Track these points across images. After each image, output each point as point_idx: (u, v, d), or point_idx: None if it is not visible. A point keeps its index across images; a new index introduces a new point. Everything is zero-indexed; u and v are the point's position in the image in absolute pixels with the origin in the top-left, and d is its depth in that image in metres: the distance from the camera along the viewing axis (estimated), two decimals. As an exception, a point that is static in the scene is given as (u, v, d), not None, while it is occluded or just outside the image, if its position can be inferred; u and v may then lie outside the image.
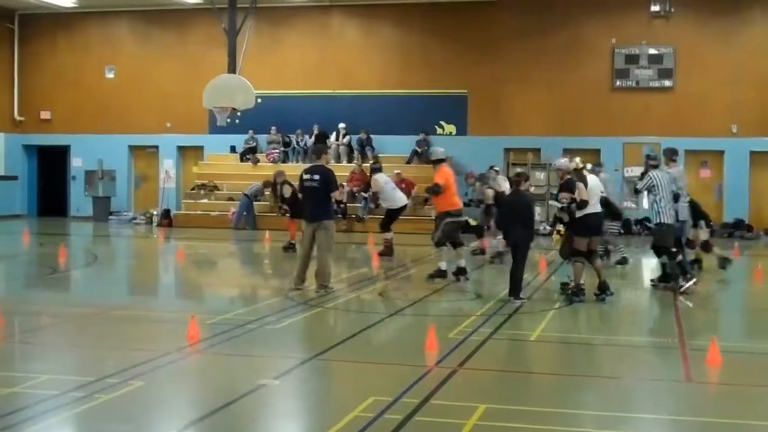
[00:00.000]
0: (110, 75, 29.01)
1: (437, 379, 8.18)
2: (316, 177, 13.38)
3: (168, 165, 28.35)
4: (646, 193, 14.15)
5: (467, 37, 26.44)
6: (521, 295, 12.57)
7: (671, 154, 14.29)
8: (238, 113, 22.28)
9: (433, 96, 26.72)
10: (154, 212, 27.20)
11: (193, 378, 8.66)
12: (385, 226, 18.11)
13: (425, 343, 9.34)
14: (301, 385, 8.34)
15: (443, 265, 14.78)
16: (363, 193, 24.63)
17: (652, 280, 14.68)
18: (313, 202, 13.47)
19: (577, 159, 13.29)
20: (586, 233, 12.76)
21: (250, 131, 27.17)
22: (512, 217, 12.77)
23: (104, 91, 28.83)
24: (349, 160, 26.50)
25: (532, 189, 24.51)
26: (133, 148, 29.03)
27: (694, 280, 13.98)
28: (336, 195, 14.10)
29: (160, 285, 16.25)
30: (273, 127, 27.37)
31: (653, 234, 14.40)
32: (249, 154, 27.29)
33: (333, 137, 26.70)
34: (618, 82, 25.70)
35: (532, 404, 7.67)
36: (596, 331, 11.55)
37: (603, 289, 12.80)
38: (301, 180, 13.69)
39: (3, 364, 9.01)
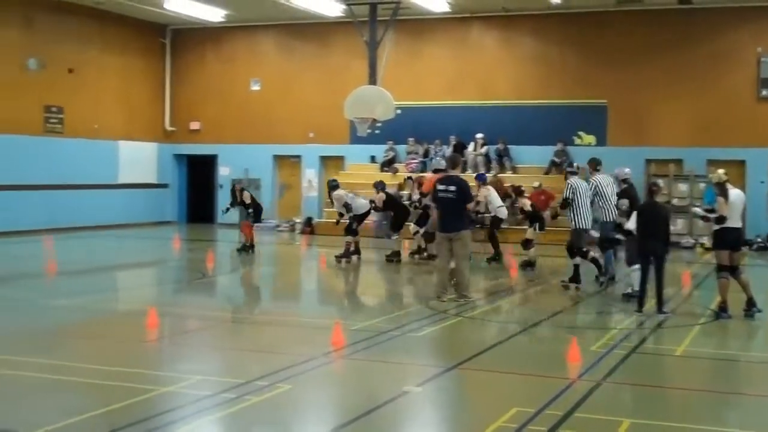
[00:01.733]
0: (256, 87, 29.90)
1: (581, 392, 8.14)
2: (452, 188, 13.39)
3: (310, 174, 28.97)
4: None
5: (607, 47, 26.04)
6: (665, 309, 12.34)
7: (595, 164, 15.32)
8: (379, 124, 22.58)
9: (572, 106, 26.41)
10: (297, 220, 27.88)
11: (338, 383, 8.87)
12: (352, 231, 18.97)
13: (567, 355, 9.32)
14: (443, 393, 8.43)
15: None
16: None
17: (562, 281, 15.25)
18: (449, 213, 13.44)
19: (720, 171, 12.95)
20: (724, 247, 12.45)
21: (390, 142, 27.50)
22: (650, 228, 12.55)
23: (250, 103, 29.73)
24: (487, 171, 26.48)
25: (674, 201, 24.19)
26: (277, 158, 29.79)
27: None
28: (472, 205, 14.10)
29: (303, 291, 16.64)
30: (411, 138, 27.63)
31: (570, 236, 15.39)
32: (388, 164, 27.63)
33: (471, 147, 26.76)
34: (764, 92, 24.72)
35: (678, 421, 7.53)
36: (743, 348, 11.23)
37: (751, 305, 12.44)
38: (436, 191, 13.74)
39: (159, 364, 9.47)
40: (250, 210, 20.21)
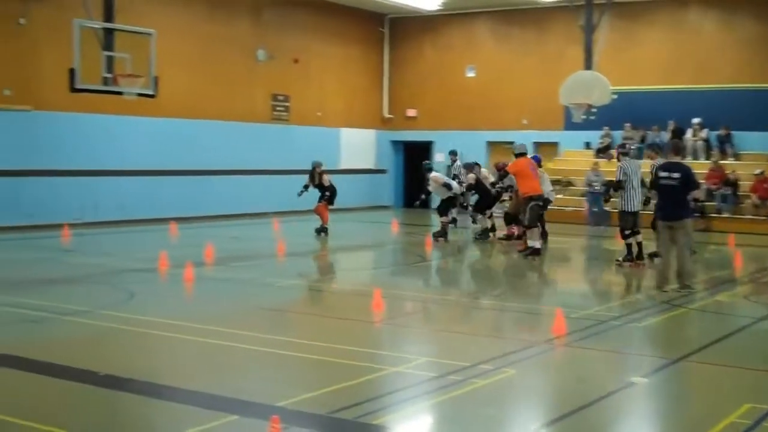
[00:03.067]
0: (471, 74, 30.17)
1: (817, 390, 7.90)
2: (676, 175, 13.02)
3: (524, 160, 28.95)
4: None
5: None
6: None
7: (655, 148, 16.92)
8: (594, 109, 22.33)
9: (800, 89, 25.05)
10: (511, 205, 27.95)
11: (561, 370, 8.91)
12: (445, 212, 20.00)
13: (800, 351, 9.01)
14: (670, 385, 8.33)
15: (537, 244, 16.83)
16: (721, 191, 23.80)
17: (617, 260, 16.14)
18: (671, 201, 13.11)
19: None
20: None
21: (605, 127, 27.07)
22: None
23: (465, 90, 30.04)
24: (707, 157, 25.59)
25: None
26: (490, 144, 29.98)
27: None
28: (695, 193, 13.74)
29: (520, 277, 16.74)
30: (627, 123, 27.07)
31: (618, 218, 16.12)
32: (604, 150, 27.20)
33: (689, 133, 25.93)
34: None
35: None
36: None
37: None
38: (657, 177, 13.43)
39: (386, 345, 9.83)
40: (327, 193, 20.63)
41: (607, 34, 23.31)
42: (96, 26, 18.85)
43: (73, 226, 20.42)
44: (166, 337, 9.79)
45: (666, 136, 25.62)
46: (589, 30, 22.83)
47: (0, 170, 20.52)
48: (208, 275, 14.76)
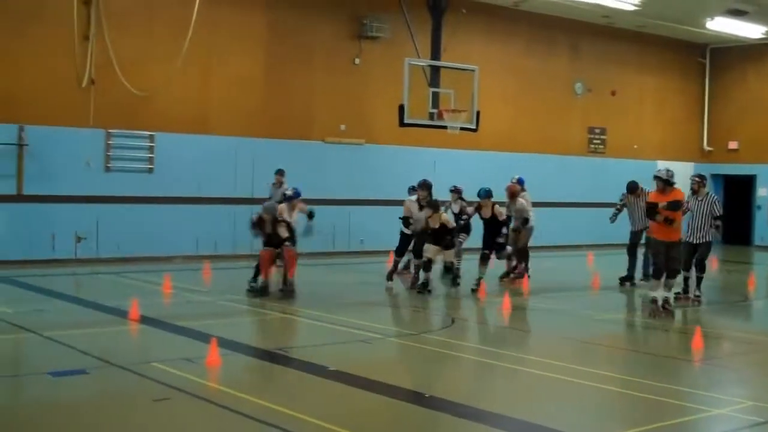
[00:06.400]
0: (801, 104, 28.71)
1: None
2: None
3: None
4: None
5: None
6: None
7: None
8: None
9: None
10: None
11: None
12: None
13: None
14: None
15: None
16: None
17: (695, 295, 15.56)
18: None
19: None
20: None
21: None
22: None
23: (794, 122, 28.62)
24: None
25: None
26: (821, 178, 28.28)
27: None
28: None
29: None
30: None
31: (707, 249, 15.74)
32: None
33: None
34: None
35: None
36: None
37: None
38: None
39: (708, 385, 9.58)
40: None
41: None
42: (423, 64, 19.95)
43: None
44: (484, 363, 10.29)
45: None
46: None
47: (336, 199, 22.27)
48: (525, 305, 15.18)
